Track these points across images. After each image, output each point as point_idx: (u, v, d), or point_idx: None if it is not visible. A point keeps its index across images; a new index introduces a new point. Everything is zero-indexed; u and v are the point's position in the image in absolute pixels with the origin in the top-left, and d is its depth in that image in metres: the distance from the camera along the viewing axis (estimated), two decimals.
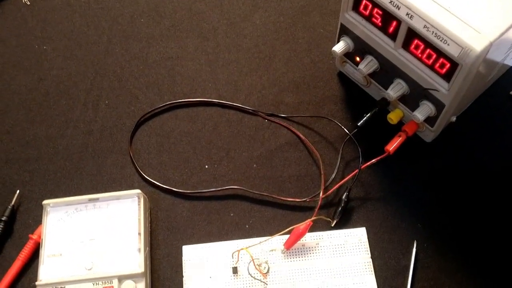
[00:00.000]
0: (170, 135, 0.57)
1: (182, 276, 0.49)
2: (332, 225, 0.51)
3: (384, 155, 0.52)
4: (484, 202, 0.52)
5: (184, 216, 0.53)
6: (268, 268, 0.48)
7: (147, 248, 0.51)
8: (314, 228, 0.50)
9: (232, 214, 0.52)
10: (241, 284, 0.48)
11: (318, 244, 0.49)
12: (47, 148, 0.57)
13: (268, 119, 0.57)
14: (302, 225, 0.49)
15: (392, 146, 0.52)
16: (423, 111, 0.49)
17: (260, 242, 0.49)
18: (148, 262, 0.50)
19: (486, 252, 0.50)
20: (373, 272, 0.48)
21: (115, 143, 0.57)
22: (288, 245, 0.49)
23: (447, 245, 0.50)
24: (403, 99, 0.52)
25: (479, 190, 0.53)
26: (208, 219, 0.52)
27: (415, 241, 0.50)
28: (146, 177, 0.54)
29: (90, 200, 0.52)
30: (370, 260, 0.49)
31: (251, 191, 0.52)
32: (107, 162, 0.56)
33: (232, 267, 0.49)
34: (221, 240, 0.51)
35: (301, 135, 0.56)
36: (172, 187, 0.53)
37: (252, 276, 0.48)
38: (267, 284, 0.48)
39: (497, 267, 0.49)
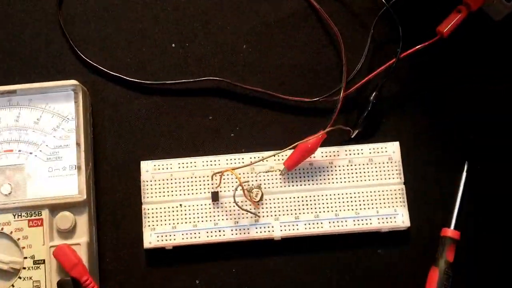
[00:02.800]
0: None
1: (141, 204, 0.46)
2: (352, 136, 0.47)
3: (435, 38, 0.47)
4: None
5: (142, 117, 0.49)
6: (262, 195, 0.45)
7: (90, 165, 0.46)
8: (327, 141, 0.46)
9: (211, 117, 0.49)
10: (223, 215, 0.46)
11: (332, 163, 0.46)
12: None
13: None
14: (312, 139, 0.45)
15: (447, 26, 0.47)
16: None
17: (252, 163, 0.45)
18: (91, 185, 0.46)
19: None
20: (405, 202, 0.46)
21: (36, 3, 0.50)
22: (291, 165, 0.46)
23: (508, 168, 0.48)
24: None
25: None
26: (177, 123, 0.49)
27: (466, 162, 0.47)
28: (84, 58, 0.49)
29: (4, 93, 0.46)
30: (403, 186, 0.46)
31: (238, 84, 0.48)
32: (25, 33, 0.50)
33: (212, 192, 0.46)
34: (196, 154, 0.47)
35: (313, 1, 0.50)
36: (124, 75, 0.49)
37: (238, 206, 0.45)
38: (259, 217, 0.45)
39: None
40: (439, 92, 0.49)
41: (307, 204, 0.46)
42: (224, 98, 0.49)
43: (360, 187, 0.46)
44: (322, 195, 0.46)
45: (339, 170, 0.47)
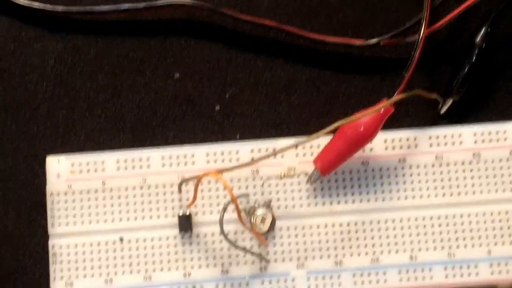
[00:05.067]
0: None
1: (47, 237, 0.38)
2: (443, 110, 0.41)
3: None
4: None
5: (49, 76, 0.41)
6: (273, 221, 0.39)
7: None
8: (394, 119, 0.39)
9: (177, 76, 0.42)
10: (200, 258, 0.39)
11: (404, 162, 0.40)
12: None
13: None
14: (366, 117, 0.38)
15: None
16: None
17: (254, 162, 0.38)
18: None
19: None
20: None
21: None
22: (327, 164, 0.39)
23: None
24: None
25: None
26: (115, 87, 0.41)
27: None
28: None
29: None
30: None
31: (230, 13, 0.41)
32: None
33: (180, 216, 0.39)
34: (150, 144, 0.41)
35: None
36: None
37: (229, 241, 0.38)
38: (268, 261, 0.39)
39: None
40: None
41: (357, 239, 0.39)
42: (203, 39, 0.42)
43: (457, 207, 0.39)
44: (386, 222, 0.39)
45: (418, 174, 0.40)
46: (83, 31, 0.43)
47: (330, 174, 0.39)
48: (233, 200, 0.37)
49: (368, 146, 0.39)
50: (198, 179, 0.37)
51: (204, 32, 0.42)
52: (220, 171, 0.37)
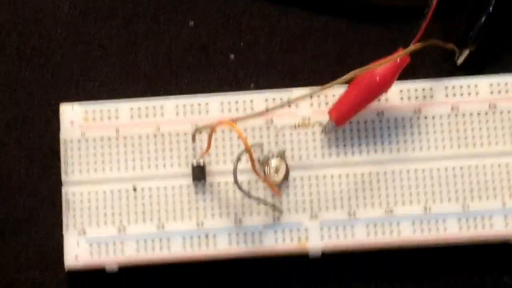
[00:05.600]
0: None
1: (60, 185, 0.38)
2: (460, 61, 0.40)
3: None
4: None
5: (63, 23, 0.41)
6: (287, 171, 0.39)
7: None
8: (410, 70, 0.38)
9: (192, 23, 0.41)
10: (213, 207, 0.39)
11: (419, 112, 0.39)
12: None
13: None
14: (381, 67, 0.38)
15: None
16: None
17: (268, 111, 0.38)
18: None
19: None
20: None
21: None
22: (342, 115, 0.38)
23: None
24: None
25: None
26: (129, 34, 0.41)
27: None
28: None
29: None
30: None
31: None
32: None
33: (193, 166, 0.39)
34: (164, 93, 0.40)
35: None
36: None
37: (243, 191, 0.37)
38: (281, 212, 0.39)
39: None
40: None
41: (371, 190, 0.39)
42: None
43: (473, 158, 0.39)
44: (401, 173, 0.39)
45: (434, 125, 0.40)
46: None
47: (344, 124, 0.39)
48: (247, 149, 0.36)
49: (383, 97, 0.39)
50: (212, 128, 0.37)
51: None
52: (234, 120, 0.37)
